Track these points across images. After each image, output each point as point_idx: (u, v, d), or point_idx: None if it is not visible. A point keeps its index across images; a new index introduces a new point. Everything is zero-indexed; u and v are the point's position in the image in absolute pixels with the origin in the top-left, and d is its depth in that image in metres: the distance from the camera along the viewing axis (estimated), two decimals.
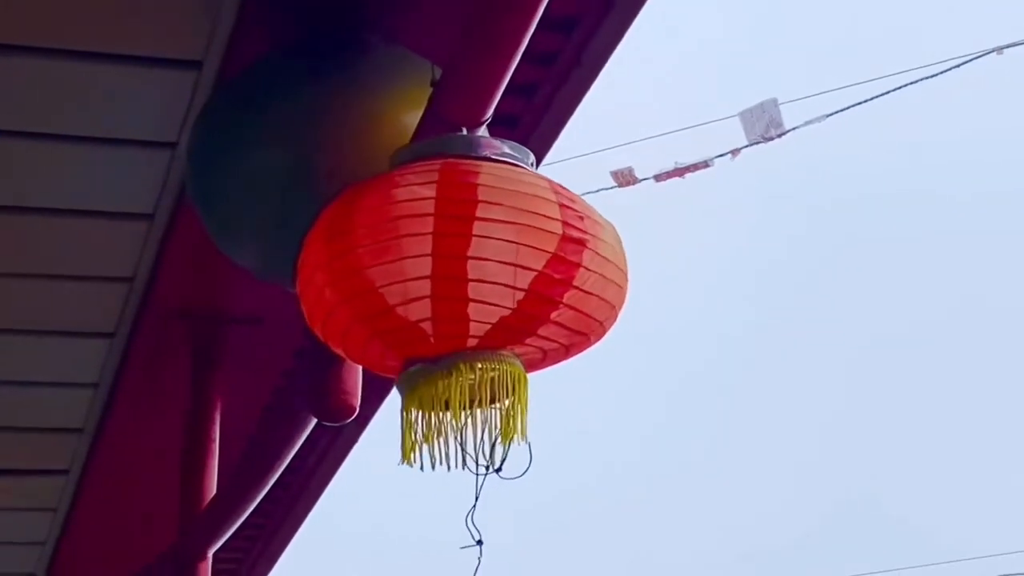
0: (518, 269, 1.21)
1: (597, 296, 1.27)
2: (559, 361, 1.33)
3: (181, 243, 2.13)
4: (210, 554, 2.46)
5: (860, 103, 8.99)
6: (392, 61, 1.64)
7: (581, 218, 1.25)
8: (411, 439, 1.23)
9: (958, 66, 8.56)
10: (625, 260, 1.31)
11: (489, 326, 1.22)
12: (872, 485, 27.77)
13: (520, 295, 1.21)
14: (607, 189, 9.34)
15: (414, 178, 1.25)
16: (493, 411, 1.25)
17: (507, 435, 1.24)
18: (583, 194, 1.35)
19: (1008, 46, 8.75)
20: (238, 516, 2.34)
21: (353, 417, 1.85)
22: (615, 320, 1.32)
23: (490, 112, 1.40)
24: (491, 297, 1.21)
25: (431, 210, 1.21)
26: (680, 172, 9.61)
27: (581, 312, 1.26)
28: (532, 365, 1.30)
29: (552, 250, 1.22)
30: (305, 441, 2.10)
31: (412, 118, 1.47)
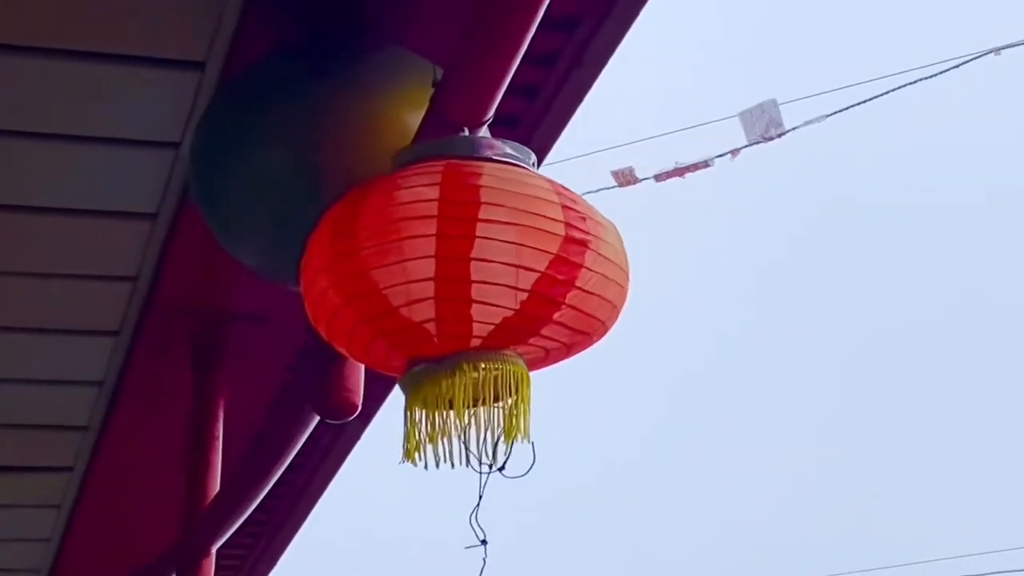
0: (521, 270, 1.22)
1: (599, 296, 1.27)
2: (561, 359, 1.34)
3: (184, 242, 2.14)
4: (214, 551, 2.47)
5: (859, 103, 9.00)
6: (393, 62, 1.64)
7: (583, 219, 1.26)
8: (415, 438, 1.25)
9: (957, 66, 8.57)
10: (626, 260, 1.32)
11: (492, 327, 1.23)
12: (870, 486, 27.73)
13: (523, 296, 1.22)
14: (607, 189, 9.36)
15: (417, 180, 1.26)
16: (496, 410, 1.26)
17: (510, 434, 1.25)
18: (584, 194, 1.36)
19: (1006, 47, 8.76)
20: (241, 513, 2.35)
21: (355, 415, 1.86)
22: (617, 319, 1.33)
23: (491, 112, 1.40)
24: (494, 298, 1.22)
25: (434, 212, 1.22)
26: (680, 172, 9.63)
27: (583, 312, 1.27)
28: (534, 364, 1.31)
29: (555, 251, 1.23)
30: (308, 438, 2.11)
31: (414, 118, 1.48)
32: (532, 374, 1.30)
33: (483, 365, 1.24)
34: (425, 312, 1.22)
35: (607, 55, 1.87)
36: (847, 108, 9.07)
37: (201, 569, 2.45)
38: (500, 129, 1.61)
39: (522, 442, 1.25)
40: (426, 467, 1.24)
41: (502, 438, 1.25)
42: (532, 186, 1.27)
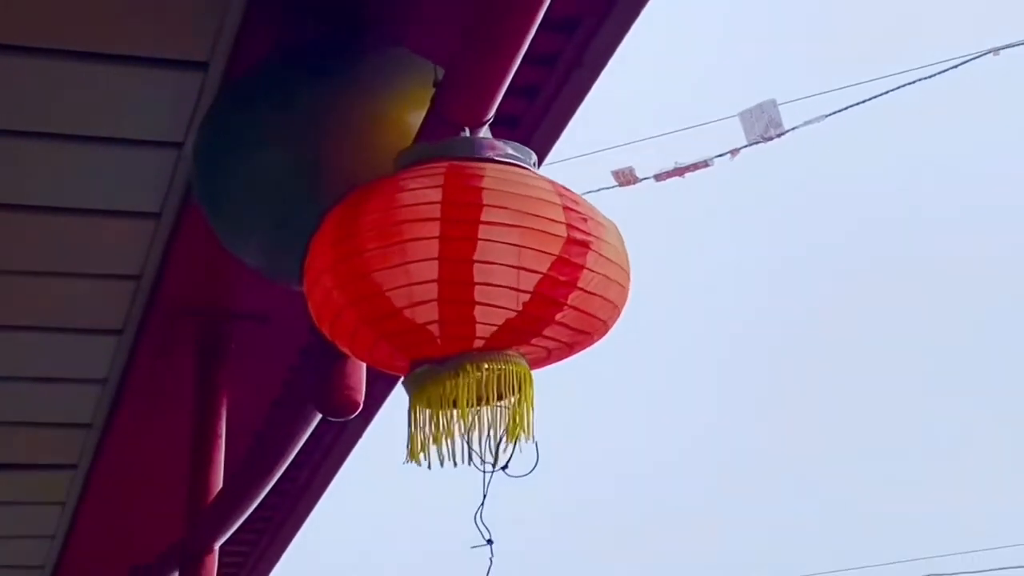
0: (523, 272, 1.22)
1: (600, 296, 1.28)
2: (563, 358, 1.35)
3: (187, 242, 2.15)
4: (217, 547, 2.48)
5: (858, 103, 9.01)
6: (395, 62, 1.65)
7: (584, 220, 1.27)
8: (419, 438, 1.25)
9: (956, 67, 8.58)
10: (627, 259, 1.32)
11: (495, 328, 1.24)
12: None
13: (525, 297, 1.23)
14: (607, 189, 9.37)
15: (419, 182, 1.26)
16: (499, 410, 1.26)
17: (513, 433, 1.25)
18: (584, 193, 1.37)
19: (1005, 47, 8.75)
20: (244, 510, 2.36)
21: (357, 412, 1.87)
22: (618, 318, 1.33)
23: (492, 112, 1.40)
24: (497, 300, 1.22)
25: (437, 215, 1.22)
26: (680, 172, 9.65)
27: (585, 312, 1.28)
28: (536, 363, 1.31)
29: (557, 253, 1.24)
30: (310, 436, 2.12)
31: (415, 118, 1.48)
32: (536, 374, 1.31)
33: (486, 365, 1.25)
34: (428, 314, 1.23)
35: (607, 56, 1.88)
36: (845, 108, 9.08)
37: (204, 566, 2.46)
38: (501, 129, 1.61)
39: (526, 441, 1.26)
40: (429, 467, 1.25)
41: (505, 437, 1.26)
42: (534, 187, 1.28)
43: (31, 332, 2.44)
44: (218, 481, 2.49)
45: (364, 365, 1.81)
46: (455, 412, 1.25)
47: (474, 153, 1.31)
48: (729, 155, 9.46)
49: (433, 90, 1.44)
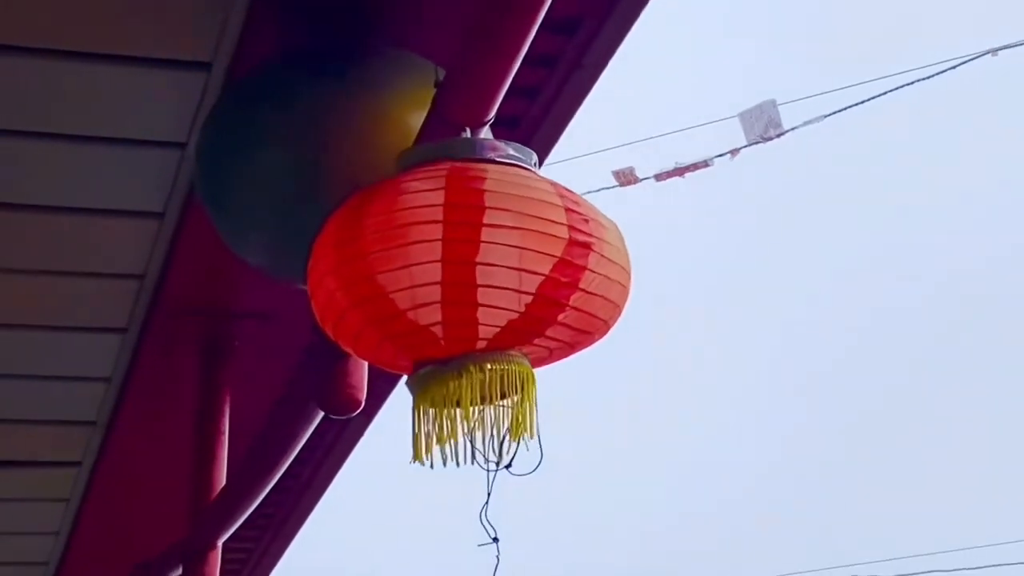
0: (526, 274, 1.23)
1: (602, 297, 1.29)
2: (564, 357, 1.36)
3: (191, 241, 2.16)
4: (220, 544, 2.49)
5: (857, 104, 9.03)
6: (397, 63, 1.66)
7: (586, 221, 1.28)
8: (423, 439, 1.26)
9: (954, 67, 8.59)
10: (628, 259, 1.33)
11: (498, 329, 1.25)
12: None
13: (528, 299, 1.24)
14: (607, 189, 9.40)
15: (421, 184, 1.27)
16: (502, 409, 1.27)
17: (517, 432, 1.26)
18: (584, 193, 1.38)
19: (1002, 48, 8.76)
20: (247, 507, 2.37)
21: (359, 410, 1.88)
22: (619, 317, 1.34)
23: (493, 112, 1.41)
24: (499, 301, 1.23)
25: (439, 217, 1.23)
26: (680, 172, 9.67)
27: (586, 312, 1.29)
28: (538, 362, 1.32)
29: (559, 254, 1.24)
30: (313, 433, 2.13)
31: (417, 119, 1.49)
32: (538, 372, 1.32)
33: (489, 366, 1.26)
34: (431, 316, 1.24)
35: (608, 56, 1.89)
36: (844, 109, 9.10)
37: (207, 562, 2.48)
38: (501, 130, 1.62)
39: (529, 440, 1.27)
40: (432, 467, 1.26)
41: (508, 436, 1.27)
42: (535, 189, 1.28)
43: (37, 331, 2.45)
44: (221, 478, 2.50)
45: (366, 364, 1.82)
46: (458, 412, 1.26)
47: (476, 154, 1.32)
48: (729, 155, 9.49)
49: (434, 90, 1.45)
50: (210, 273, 2.34)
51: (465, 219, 1.24)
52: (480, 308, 1.24)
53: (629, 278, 1.33)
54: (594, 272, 1.27)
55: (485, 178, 1.27)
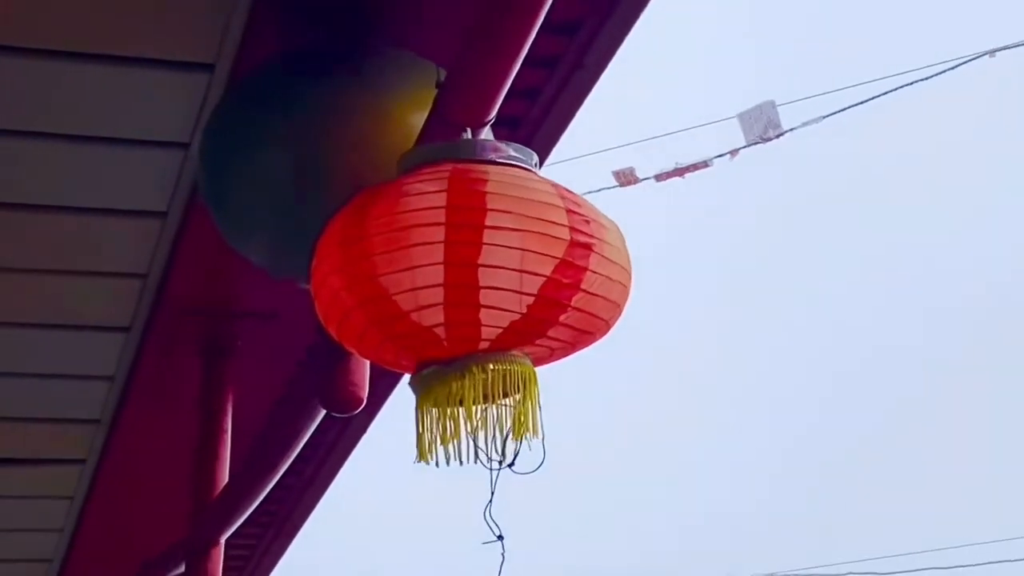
0: (527, 275, 1.24)
1: (603, 297, 1.30)
2: (565, 357, 1.37)
3: (193, 240, 2.17)
4: (222, 541, 2.50)
5: (856, 104, 9.04)
6: (398, 63, 1.66)
7: (587, 222, 1.28)
8: (427, 439, 1.27)
9: (952, 68, 8.60)
10: (629, 260, 1.34)
11: (500, 330, 1.26)
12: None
13: (529, 300, 1.25)
14: (608, 189, 9.41)
15: (424, 186, 1.28)
16: (505, 408, 1.28)
17: (519, 431, 1.27)
18: (584, 193, 1.39)
19: (1000, 49, 8.77)
20: (250, 504, 2.38)
21: (361, 408, 1.89)
22: (620, 317, 1.35)
23: (494, 113, 1.41)
24: (502, 303, 1.24)
25: (442, 219, 1.24)
26: (680, 172, 9.68)
27: (588, 313, 1.30)
28: (539, 361, 1.33)
29: (560, 256, 1.25)
30: (315, 431, 2.14)
31: (418, 119, 1.49)
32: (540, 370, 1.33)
33: (491, 366, 1.27)
34: (434, 317, 1.25)
35: (608, 57, 1.89)
36: (843, 109, 9.12)
37: (210, 559, 2.49)
38: (502, 131, 1.63)
39: (531, 439, 1.28)
40: (437, 466, 1.27)
41: (511, 435, 1.27)
42: (537, 191, 1.29)
43: (41, 330, 2.46)
44: (223, 476, 2.51)
45: (368, 362, 1.83)
46: (462, 412, 1.27)
47: (477, 155, 1.33)
48: (729, 155, 9.50)
49: (436, 91, 1.46)
50: (212, 273, 2.35)
51: (467, 221, 1.25)
52: (482, 309, 1.25)
53: (630, 278, 1.34)
54: (595, 273, 1.28)
55: (487, 179, 1.28)
